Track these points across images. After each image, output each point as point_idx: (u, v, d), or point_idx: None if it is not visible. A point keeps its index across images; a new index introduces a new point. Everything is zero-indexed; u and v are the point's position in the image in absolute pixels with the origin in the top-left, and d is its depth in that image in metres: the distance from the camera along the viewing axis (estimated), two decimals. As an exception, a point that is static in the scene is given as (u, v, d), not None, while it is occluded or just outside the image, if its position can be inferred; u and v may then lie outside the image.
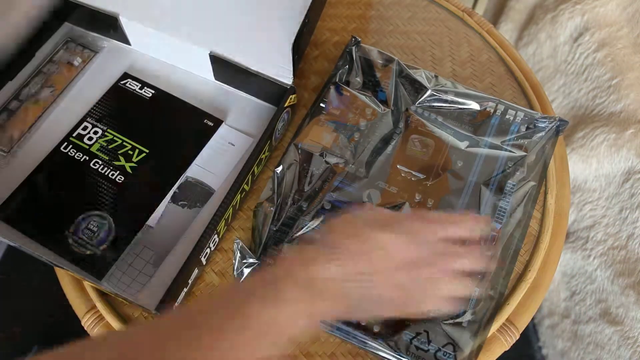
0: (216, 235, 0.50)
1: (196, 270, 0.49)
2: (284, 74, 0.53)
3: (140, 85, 0.57)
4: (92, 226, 0.50)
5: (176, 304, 0.48)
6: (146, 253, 0.50)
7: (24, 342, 1.03)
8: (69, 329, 1.07)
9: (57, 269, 0.52)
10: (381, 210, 0.32)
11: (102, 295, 0.50)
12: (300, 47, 0.55)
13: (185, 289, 0.49)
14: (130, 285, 0.48)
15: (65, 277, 0.52)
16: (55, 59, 0.58)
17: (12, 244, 0.48)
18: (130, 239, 0.49)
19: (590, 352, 0.84)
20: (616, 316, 0.77)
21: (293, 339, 0.33)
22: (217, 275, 0.52)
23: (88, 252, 0.49)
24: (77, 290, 0.51)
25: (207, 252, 0.50)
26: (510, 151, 0.56)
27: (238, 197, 0.51)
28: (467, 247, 0.39)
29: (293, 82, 0.54)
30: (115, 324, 0.49)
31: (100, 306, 0.50)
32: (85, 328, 0.50)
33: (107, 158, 0.52)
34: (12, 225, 0.49)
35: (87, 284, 0.51)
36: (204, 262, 0.50)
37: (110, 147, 0.53)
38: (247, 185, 0.53)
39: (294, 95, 0.55)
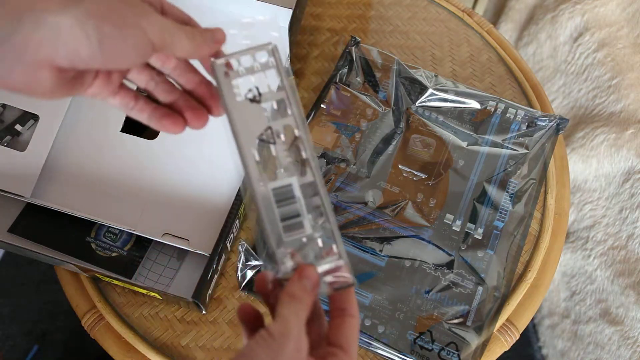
0: (237, 221, 0.51)
1: (223, 256, 0.50)
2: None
3: None
4: (112, 229, 0.51)
5: (209, 290, 0.49)
6: (169, 248, 0.51)
7: (24, 342, 1.03)
8: (69, 328, 1.07)
9: (57, 268, 0.52)
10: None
11: (102, 295, 0.50)
12: (292, 32, 0.55)
13: (216, 275, 0.50)
14: (158, 280, 0.49)
15: (66, 277, 0.52)
16: None
17: (34, 256, 0.48)
18: None
19: (590, 352, 0.84)
20: (616, 316, 0.77)
21: None
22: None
23: (114, 254, 0.50)
24: (77, 290, 0.51)
25: (230, 238, 0.50)
26: (511, 149, 0.57)
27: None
28: None
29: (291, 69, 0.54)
30: (115, 323, 0.49)
31: (100, 306, 0.50)
32: (85, 328, 0.50)
33: None
34: (30, 238, 0.50)
35: (87, 284, 0.51)
36: (229, 248, 0.51)
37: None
38: None
39: (291, 77, 0.56)
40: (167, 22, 0.27)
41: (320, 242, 0.30)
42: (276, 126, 0.30)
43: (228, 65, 0.30)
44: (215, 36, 0.29)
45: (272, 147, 0.30)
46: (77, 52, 0.24)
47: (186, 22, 0.30)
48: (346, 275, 0.30)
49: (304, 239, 0.30)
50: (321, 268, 0.30)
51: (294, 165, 0.30)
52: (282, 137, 0.30)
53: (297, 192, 0.30)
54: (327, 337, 0.30)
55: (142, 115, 0.31)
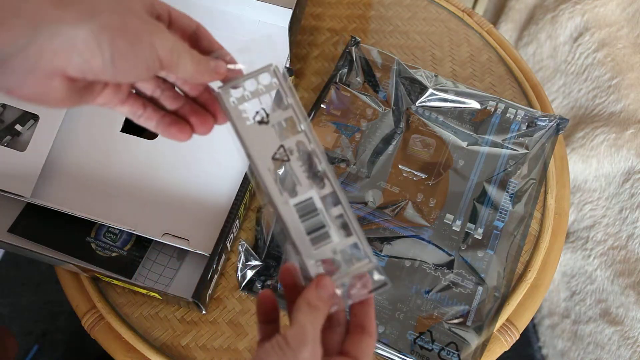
0: (237, 221, 0.51)
1: (223, 256, 0.50)
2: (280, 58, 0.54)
3: None
4: (112, 229, 0.51)
5: (209, 290, 0.49)
6: (168, 248, 0.51)
7: (24, 342, 1.03)
8: (69, 328, 1.07)
9: (57, 268, 0.52)
10: None
11: (102, 295, 0.50)
12: (292, 32, 0.55)
13: (216, 275, 0.49)
14: (158, 280, 0.49)
15: (66, 277, 0.52)
16: None
17: (34, 256, 0.48)
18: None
19: (590, 352, 0.84)
20: (616, 316, 0.77)
21: None
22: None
23: (114, 254, 0.50)
24: (77, 290, 0.51)
25: (230, 238, 0.50)
26: (511, 149, 0.57)
27: (253, 180, 0.52)
28: None
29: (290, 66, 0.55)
30: (115, 323, 0.49)
31: (100, 306, 0.50)
32: (85, 328, 0.50)
33: None
34: (30, 238, 0.50)
35: (87, 284, 0.51)
36: (229, 248, 0.51)
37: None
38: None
39: (291, 77, 0.56)
40: (177, 42, 0.27)
41: (348, 250, 0.31)
42: (288, 144, 0.31)
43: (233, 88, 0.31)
44: (218, 69, 0.30)
45: (287, 164, 0.31)
46: (89, 64, 0.24)
47: (194, 29, 0.30)
48: (379, 277, 0.31)
49: (333, 248, 0.31)
50: (353, 273, 0.31)
51: (311, 178, 0.31)
52: (296, 153, 0.31)
53: (319, 204, 0.31)
54: (343, 348, 0.30)
55: (150, 123, 0.31)
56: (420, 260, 0.51)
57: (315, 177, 0.31)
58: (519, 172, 0.55)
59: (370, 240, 0.52)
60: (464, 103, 0.59)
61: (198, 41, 0.31)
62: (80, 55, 0.24)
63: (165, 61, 0.26)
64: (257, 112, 0.30)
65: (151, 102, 0.31)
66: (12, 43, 0.23)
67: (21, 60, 0.23)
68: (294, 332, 0.27)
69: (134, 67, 0.26)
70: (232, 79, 0.30)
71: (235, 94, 0.30)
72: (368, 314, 0.31)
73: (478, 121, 0.59)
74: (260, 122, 0.30)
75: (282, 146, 0.30)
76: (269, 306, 0.31)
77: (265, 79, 0.31)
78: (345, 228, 0.31)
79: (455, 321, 0.48)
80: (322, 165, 0.31)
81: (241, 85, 0.30)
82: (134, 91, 0.31)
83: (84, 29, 0.23)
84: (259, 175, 0.30)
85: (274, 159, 0.30)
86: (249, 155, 0.30)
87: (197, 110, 0.32)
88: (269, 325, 0.32)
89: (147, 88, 0.31)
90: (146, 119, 0.31)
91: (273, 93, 0.31)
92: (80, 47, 0.24)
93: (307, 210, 0.31)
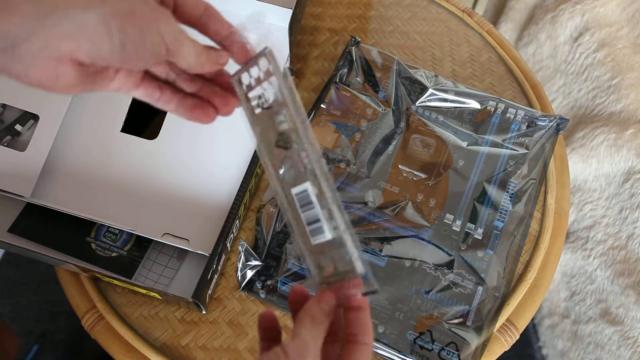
0: (237, 221, 0.51)
1: (223, 256, 0.50)
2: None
3: None
4: (112, 229, 0.51)
5: (209, 290, 0.49)
6: (169, 248, 0.51)
7: (24, 342, 1.03)
8: (69, 328, 1.07)
9: (57, 268, 0.52)
10: None
11: (102, 295, 0.50)
12: (292, 32, 0.55)
13: (216, 275, 0.49)
14: (158, 280, 0.49)
15: (66, 277, 0.52)
16: None
17: (34, 256, 0.48)
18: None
19: (590, 352, 0.84)
20: (616, 316, 0.77)
21: None
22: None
23: (114, 254, 0.50)
24: (77, 290, 0.51)
25: (230, 238, 0.50)
26: (511, 149, 0.57)
27: (253, 180, 0.52)
28: None
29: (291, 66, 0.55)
30: (115, 323, 0.49)
31: (100, 306, 0.50)
32: (85, 328, 0.50)
33: None
34: (30, 238, 0.50)
35: (87, 284, 0.51)
36: (229, 248, 0.51)
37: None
38: (259, 169, 0.54)
39: (291, 77, 0.56)
40: (182, 31, 0.27)
41: (340, 251, 0.29)
42: (288, 131, 0.30)
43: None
44: (219, 60, 0.30)
45: (288, 152, 0.30)
46: (99, 49, 0.24)
47: (202, 10, 0.30)
48: (367, 283, 0.30)
49: (327, 245, 0.29)
50: (342, 277, 0.29)
51: (308, 169, 0.30)
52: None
53: (313, 197, 0.29)
54: (339, 357, 0.30)
55: (170, 106, 0.31)
56: (420, 260, 0.51)
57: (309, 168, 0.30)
58: (519, 172, 0.55)
59: (370, 240, 0.52)
60: (464, 103, 0.59)
61: (207, 23, 0.30)
62: (89, 41, 0.24)
63: (171, 48, 0.27)
64: (259, 98, 0.30)
65: (168, 85, 0.31)
66: (20, 29, 0.23)
67: (30, 46, 0.23)
68: (295, 346, 0.27)
69: (142, 53, 0.26)
70: (242, 63, 0.30)
71: (245, 80, 0.30)
72: (360, 322, 0.30)
73: (478, 121, 0.59)
74: (265, 109, 0.30)
75: (281, 134, 0.30)
76: (269, 325, 0.31)
77: (264, 63, 0.30)
78: (335, 229, 0.29)
79: (455, 321, 0.48)
80: (309, 159, 0.29)
81: (247, 71, 0.30)
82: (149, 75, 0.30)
83: (93, 15, 0.24)
84: (264, 163, 0.30)
85: (276, 146, 0.30)
86: (257, 143, 0.30)
87: (217, 91, 0.31)
88: (270, 342, 0.31)
89: (160, 71, 0.30)
90: (164, 102, 0.31)
91: (272, 79, 0.30)
92: (90, 32, 0.24)
93: (304, 202, 0.29)
